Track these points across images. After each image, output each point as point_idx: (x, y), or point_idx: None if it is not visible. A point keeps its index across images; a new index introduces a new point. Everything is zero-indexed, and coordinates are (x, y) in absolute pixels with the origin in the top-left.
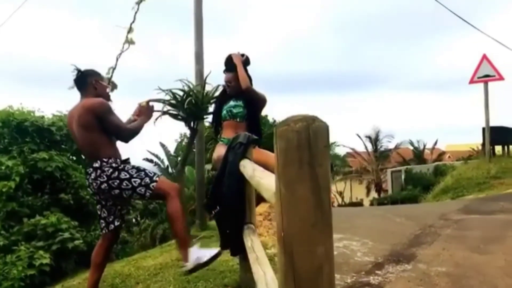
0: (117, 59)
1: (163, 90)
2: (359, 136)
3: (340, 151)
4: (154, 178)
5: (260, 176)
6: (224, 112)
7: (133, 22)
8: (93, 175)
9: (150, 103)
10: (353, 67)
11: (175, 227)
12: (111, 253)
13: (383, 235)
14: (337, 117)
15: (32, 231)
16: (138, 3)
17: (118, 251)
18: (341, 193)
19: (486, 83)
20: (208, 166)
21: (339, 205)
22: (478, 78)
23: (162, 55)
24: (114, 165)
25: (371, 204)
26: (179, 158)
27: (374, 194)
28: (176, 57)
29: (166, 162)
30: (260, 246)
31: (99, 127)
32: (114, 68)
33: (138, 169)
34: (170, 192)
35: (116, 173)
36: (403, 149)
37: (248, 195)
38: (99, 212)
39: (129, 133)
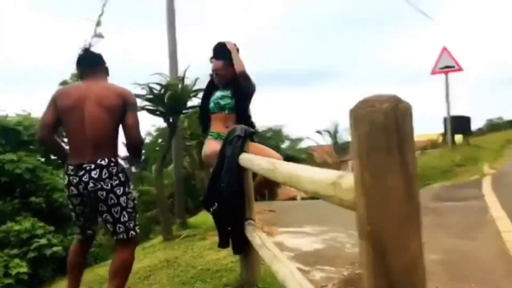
0: None
1: (140, 85)
2: (320, 132)
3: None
4: (136, 228)
5: (288, 167)
6: (212, 104)
7: (102, 15)
8: (94, 174)
9: None
10: (312, 63)
11: (123, 278)
12: (87, 256)
13: None
14: (296, 112)
15: (5, 238)
16: None
17: (96, 254)
18: None
19: (446, 74)
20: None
21: (302, 198)
22: (439, 69)
23: (134, 50)
24: (122, 177)
25: None
26: (143, 157)
27: None
28: (149, 52)
29: None
30: (272, 243)
31: (120, 118)
32: None
33: (134, 207)
34: (134, 246)
35: (121, 190)
36: None
37: (247, 189)
38: (73, 219)
39: (142, 139)
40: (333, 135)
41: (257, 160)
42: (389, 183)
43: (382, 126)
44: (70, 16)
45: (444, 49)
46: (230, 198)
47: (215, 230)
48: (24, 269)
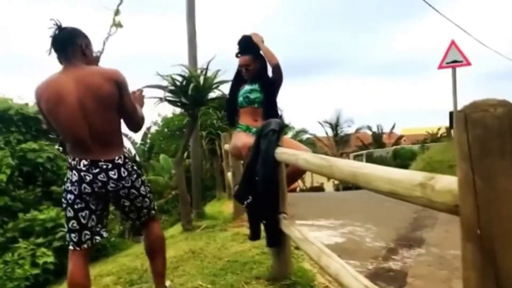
0: (104, 43)
1: (162, 76)
2: (320, 123)
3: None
4: (154, 206)
5: (349, 164)
6: (241, 98)
7: (121, 3)
8: (113, 174)
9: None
10: (312, 52)
11: (163, 255)
12: None
13: (383, 220)
14: (297, 102)
15: (29, 227)
16: None
17: (117, 243)
18: (302, 178)
19: (454, 68)
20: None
21: (301, 190)
22: (446, 63)
23: (152, 38)
24: (137, 169)
25: (337, 189)
26: (146, 146)
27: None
28: (167, 39)
29: (133, 151)
30: (312, 236)
31: (118, 104)
32: (101, 52)
33: (150, 189)
34: (158, 220)
35: (139, 181)
36: (362, 133)
37: (281, 183)
38: (84, 221)
39: (143, 118)
40: (334, 126)
41: (302, 155)
42: (501, 187)
43: (497, 130)
44: (87, 4)
45: (453, 42)
46: (265, 192)
47: (234, 221)
48: (51, 259)
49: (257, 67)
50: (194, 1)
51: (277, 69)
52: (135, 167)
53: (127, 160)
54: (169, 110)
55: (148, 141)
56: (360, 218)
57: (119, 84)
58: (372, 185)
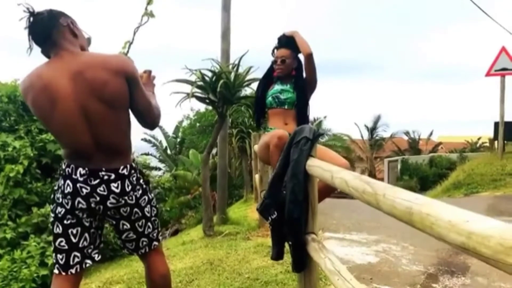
0: (134, 33)
1: (191, 70)
2: (357, 125)
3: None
4: (159, 237)
5: (402, 196)
6: (270, 98)
7: None
8: (115, 187)
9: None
10: (351, 54)
11: None
12: None
13: (421, 238)
14: (333, 103)
15: (42, 223)
16: None
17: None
18: None
19: (503, 76)
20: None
21: None
22: (495, 71)
23: (183, 29)
24: (143, 183)
25: None
26: (178, 140)
27: None
28: (199, 33)
29: (165, 144)
30: (345, 269)
31: (129, 103)
32: (131, 43)
33: (157, 213)
34: (163, 253)
35: (145, 199)
36: (398, 138)
37: (312, 199)
38: (74, 240)
39: (159, 114)
40: (371, 130)
41: (340, 173)
42: None
43: None
44: None
45: (503, 49)
46: (293, 209)
47: (258, 229)
48: None
49: (293, 65)
50: None
51: (310, 59)
52: (141, 181)
53: (133, 171)
54: (202, 105)
55: (180, 134)
56: (396, 235)
57: (128, 77)
58: (434, 231)
